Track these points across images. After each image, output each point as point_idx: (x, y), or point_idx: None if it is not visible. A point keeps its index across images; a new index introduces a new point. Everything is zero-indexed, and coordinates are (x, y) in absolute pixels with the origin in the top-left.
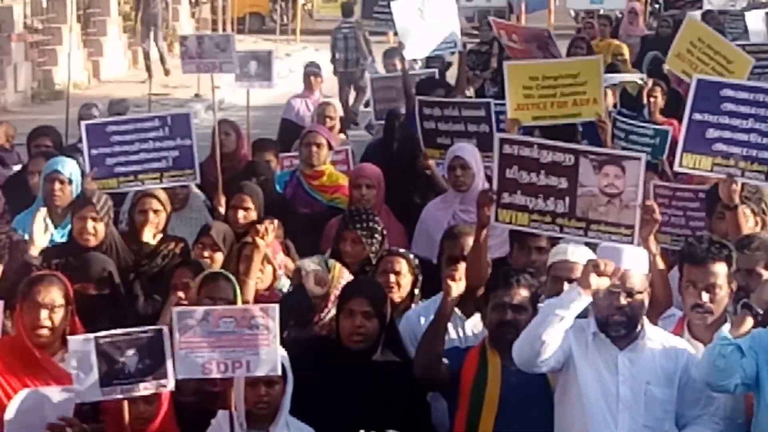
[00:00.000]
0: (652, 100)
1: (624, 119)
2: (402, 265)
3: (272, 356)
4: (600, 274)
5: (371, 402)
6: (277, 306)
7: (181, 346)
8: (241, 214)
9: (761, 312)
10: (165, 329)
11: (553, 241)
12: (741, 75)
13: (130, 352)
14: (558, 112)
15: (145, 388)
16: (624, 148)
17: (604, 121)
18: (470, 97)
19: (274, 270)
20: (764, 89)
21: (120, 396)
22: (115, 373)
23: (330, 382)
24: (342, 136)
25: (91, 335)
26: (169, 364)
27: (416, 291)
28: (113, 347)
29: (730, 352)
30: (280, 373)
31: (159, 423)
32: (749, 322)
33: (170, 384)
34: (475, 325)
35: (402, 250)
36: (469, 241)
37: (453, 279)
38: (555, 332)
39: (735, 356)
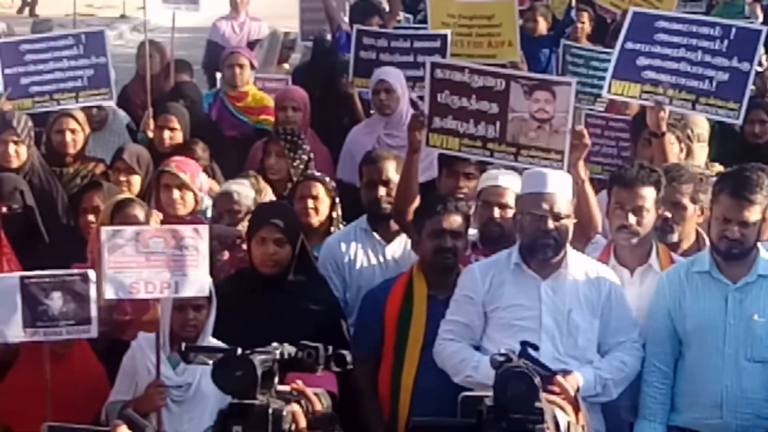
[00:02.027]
0: (579, 25)
1: (582, 46)
2: (319, 189)
3: (201, 277)
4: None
5: (286, 324)
6: (207, 227)
7: (110, 265)
8: (167, 134)
9: None
10: (91, 273)
11: (482, 168)
12: (669, 5)
13: (56, 294)
14: (474, 51)
15: (68, 333)
16: (585, 75)
17: (519, 68)
18: (399, 21)
19: (195, 195)
20: (698, 21)
21: (43, 339)
22: (38, 315)
23: (246, 306)
24: (286, 65)
25: (17, 274)
26: (92, 308)
27: (335, 214)
28: (38, 288)
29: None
30: (207, 294)
31: (75, 349)
32: None
33: (93, 331)
34: (395, 250)
35: (318, 174)
36: (387, 165)
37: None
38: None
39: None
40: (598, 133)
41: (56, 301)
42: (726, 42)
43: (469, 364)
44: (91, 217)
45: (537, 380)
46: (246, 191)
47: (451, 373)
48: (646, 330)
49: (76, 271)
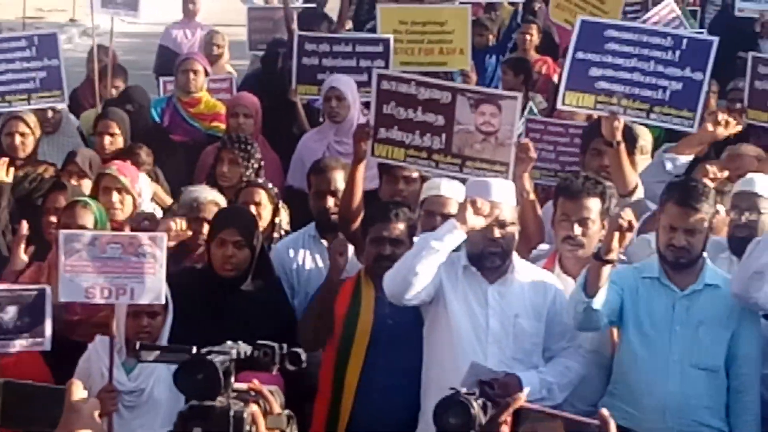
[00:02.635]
0: (527, 37)
1: None
2: (261, 196)
3: (157, 285)
4: (477, 212)
5: (241, 329)
6: (165, 235)
7: (66, 269)
8: (107, 140)
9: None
10: (48, 289)
11: (422, 173)
12: (615, 15)
13: (11, 309)
14: (425, 59)
15: (21, 345)
16: None
17: (469, 75)
18: (350, 30)
19: (134, 199)
20: (647, 30)
21: None
22: None
23: (203, 310)
24: (229, 66)
25: None
26: (48, 323)
27: (277, 220)
28: None
29: (583, 310)
30: (163, 302)
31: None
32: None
33: (46, 344)
34: None
35: (260, 181)
36: (336, 175)
37: (341, 254)
38: (428, 265)
39: (589, 312)
40: (537, 138)
41: (11, 314)
42: (678, 52)
43: (422, 245)
44: (53, 218)
45: (474, 411)
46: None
47: (403, 276)
48: None
49: (33, 286)
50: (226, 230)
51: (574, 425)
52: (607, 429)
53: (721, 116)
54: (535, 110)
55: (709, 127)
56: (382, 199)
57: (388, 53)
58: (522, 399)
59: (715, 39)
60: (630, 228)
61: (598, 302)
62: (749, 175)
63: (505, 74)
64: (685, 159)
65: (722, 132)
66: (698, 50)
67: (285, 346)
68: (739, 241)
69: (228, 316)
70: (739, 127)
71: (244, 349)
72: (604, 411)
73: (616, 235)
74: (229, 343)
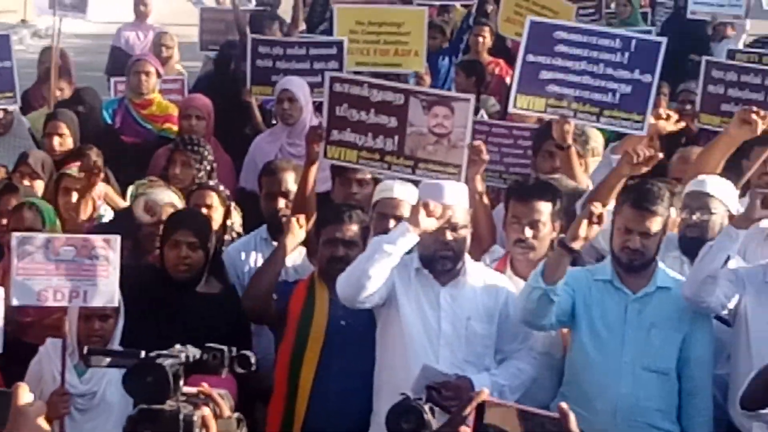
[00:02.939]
0: (480, 39)
1: None
2: (213, 198)
3: (110, 288)
4: (429, 214)
5: (195, 330)
6: (119, 237)
7: (19, 272)
8: (56, 141)
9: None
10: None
11: (375, 176)
12: (568, 17)
13: None
14: (380, 59)
15: None
16: None
17: (423, 77)
18: (303, 32)
19: (93, 202)
20: (597, 32)
21: None
22: None
23: (156, 311)
24: (179, 66)
25: None
26: None
27: (229, 222)
28: None
29: (538, 297)
30: (116, 305)
31: None
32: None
33: None
34: (294, 260)
35: (212, 183)
36: (287, 176)
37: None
38: (381, 268)
39: (544, 300)
40: (483, 140)
41: None
42: (627, 54)
43: (375, 248)
44: (5, 221)
45: (426, 416)
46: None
47: (357, 279)
48: None
49: None
50: (180, 231)
51: (535, 419)
52: (567, 422)
53: (663, 110)
54: (485, 115)
55: (652, 120)
56: (335, 202)
57: (342, 55)
58: (485, 394)
59: (663, 40)
60: (600, 220)
61: (557, 291)
62: (701, 176)
63: (458, 76)
64: None
65: (664, 126)
66: (647, 52)
67: (234, 349)
68: (690, 241)
69: (182, 317)
70: (682, 124)
71: (193, 352)
72: (564, 405)
73: (584, 222)
74: (178, 346)
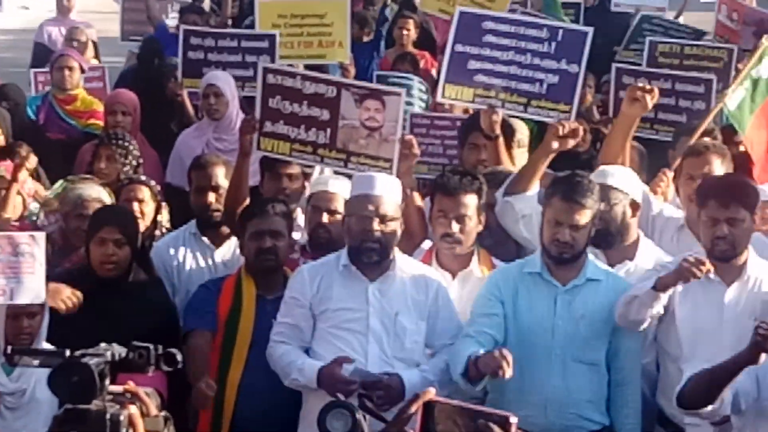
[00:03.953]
0: (405, 32)
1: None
2: (144, 193)
3: (36, 284)
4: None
5: (125, 326)
6: (44, 234)
7: None
8: None
9: None
10: None
11: (305, 170)
12: (502, 7)
13: None
14: (304, 51)
15: None
16: None
17: (347, 68)
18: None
19: (24, 199)
20: (525, 22)
21: None
22: None
23: (84, 309)
24: (95, 61)
25: None
26: None
27: (159, 218)
28: None
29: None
30: (43, 301)
31: None
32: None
33: None
34: (224, 254)
35: (143, 178)
36: (217, 170)
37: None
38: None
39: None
40: (424, 133)
41: None
42: (554, 44)
43: (295, 366)
44: None
45: (358, 416)
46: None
47: (280, 375)
48: (473, 315)
49: None
50: (106, 228)
51: (481, 416)
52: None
53: (562, 129)
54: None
55: (554, 144)
56: (265, 196)
57: (274, 49)
58: (432, 392)
59: (590, 30)
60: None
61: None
62: (601, 167)
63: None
64: None
65: (566, 144)
66: (573, 42)
67: (160, 347)
68: (595, 233)
69: (109, 315)
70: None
71: (119, 350)
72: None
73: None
74: (103, 345)
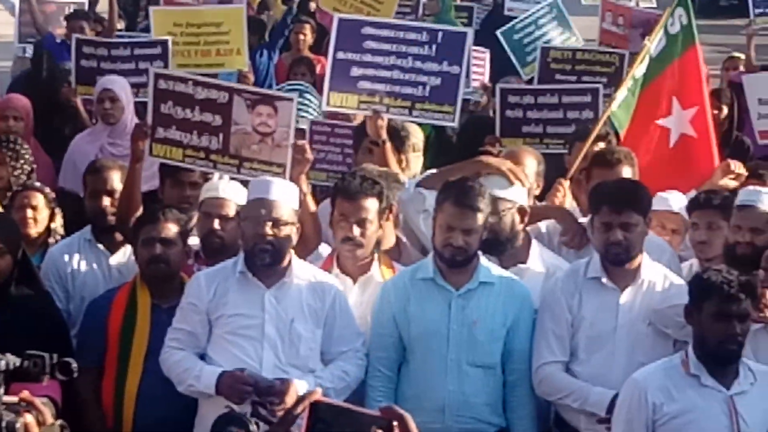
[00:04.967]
0: (301, 37)
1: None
2: (38, 199)
3: None
4: None
5: (9, 336)
6: None
7: None
8: None
9: None
10: None
11: (206, 177)
12: (389, 11)
13: None
14: (202, 60)
15: None
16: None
17: (247, 75)
18: (121, 31)
19: None
20: (403, 26)
21: None
22: None
23: None
24: None
25: None
26: None
27: (53, 225)
28: None
29: None
30: None
31: None
32: None
33: None
34: (119, 261)
35: (38, 184)
36: (112, 174)
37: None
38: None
39: None
40: (324, 140)
41: None
42: (434, 47)
43: (191, 373)
44: None
45: (252, 427)
46: None
47: (175, 382)
48: (371, 336)
49: None
50: None
51: (363, 418)
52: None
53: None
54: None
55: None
56: (166, 203)
57: (167, 55)
58: (318, 393)
59: (469, 30)
60: None
61: None
62: (486, 177)
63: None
64: None
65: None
66: (453, 43)
67: (56, 356)
68: (485, 243)
69: None
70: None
71: (13, 360)
72: (391, 405)
73: None
74: None
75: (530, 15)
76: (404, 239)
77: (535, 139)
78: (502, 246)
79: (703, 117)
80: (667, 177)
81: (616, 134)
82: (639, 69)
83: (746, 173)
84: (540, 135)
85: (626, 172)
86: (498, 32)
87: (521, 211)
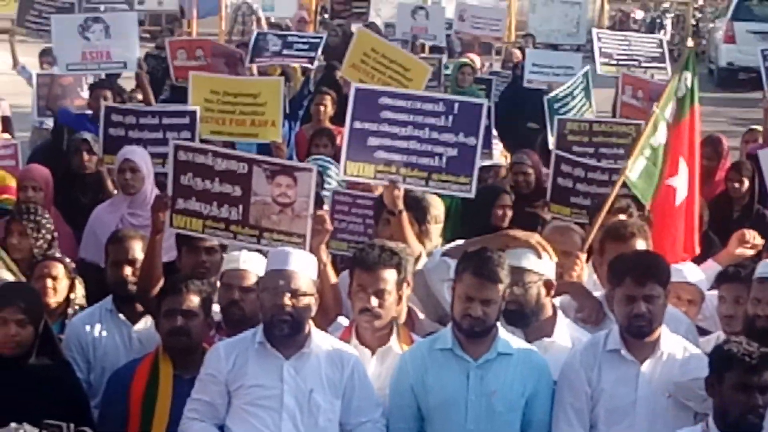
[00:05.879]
0: (321, 108)
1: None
2: (59, 270)
3: None
4: None
5: (28, 406)
6: None
7: None
8: None
9: None
10: None
11: (224, 242)
12: (419, 84)
13: None
14: (236, 129)
15: None
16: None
17: (280, 147)
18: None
19: None
20: (420, 97)
21: None
22: None
23: None
24: (6, 135)
25: None
26: None
27: (72, 295)
28: None
29: None
30: None
31: None
32: None
33: None
34: (141, 331)
35: (58, 255)
36: (134, 244)
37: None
38: None
39: None
40: (345, 210)
41: None
42: (451, 117)
43: None
44: None
45: None
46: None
47: None
48: (390, 407)
49: None
50: (8, 309)
51: None
52: None
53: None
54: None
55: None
56: (183, 271)
57: (195, 125)
58: None
59: (485, 102)
60: None
61: None
62: (516, 249)
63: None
64: None
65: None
66: (469, 114)
67: (73, 425)
68: (511, 314)
69: (11, 395)
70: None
71: (31, 430)
72: None
73: None
74: (13, 425)
75: (571, 85)
76: (416, 310)
77: (582, 210)
78: (527, 318)
79: (692, 174)
80: (675, 233)
81: (637, 203)
82: (657, 137)
83: (762, 243)
84: (586, 207)
85: (640, 245)
86: (545, 98)
87: (548, 284)
